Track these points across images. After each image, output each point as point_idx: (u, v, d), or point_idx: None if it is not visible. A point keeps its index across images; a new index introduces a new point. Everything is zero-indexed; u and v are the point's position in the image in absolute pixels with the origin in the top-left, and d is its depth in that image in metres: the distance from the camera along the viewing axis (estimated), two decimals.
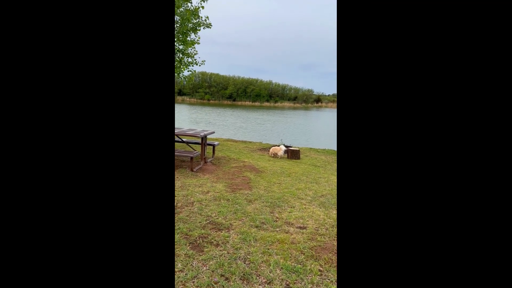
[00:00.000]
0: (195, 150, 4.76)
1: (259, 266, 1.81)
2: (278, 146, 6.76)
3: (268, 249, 2.03)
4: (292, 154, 6.55)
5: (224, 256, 1.89)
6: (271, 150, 6.67)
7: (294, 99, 64.03)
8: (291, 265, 1.84)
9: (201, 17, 6.06)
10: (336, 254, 1.97)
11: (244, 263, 1.83)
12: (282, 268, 1.81)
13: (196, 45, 6.33)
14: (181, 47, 6.14)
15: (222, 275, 1.68)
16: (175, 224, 2.35)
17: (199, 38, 6.25)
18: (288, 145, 8.32)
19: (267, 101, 55.54)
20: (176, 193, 3.18)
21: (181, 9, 5.60)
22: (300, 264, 1.87)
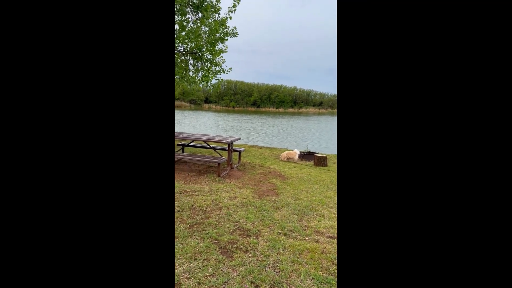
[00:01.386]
0: (222, 156, 4.85)
1: (289, 275, 1.77)
2: (292, 150, 6.55)
3: (298, 258, 1.99)
4: (319, 160, 6.41)
5: (254, 263, 1.88)
6: (285, 154, 6.40)
7: (320, 104, 62.99)
8: (322, 275, 1.78)
9: (228, 26, 6.25)
10: None
11: (274, 271, 1.80)
12: (313, 278, 1.75)
13: (223, 54, 6.53)
14: (209, 56, 6.37)
15: (252, 282, 1.67)
16: (205, 228, 2.40)
17: (226, 47, 6.44)
18: (314, 151, 8.16)
19: (291, 107, 55.22)
20: (205, 198, 3.25)
21: (210, 20, 5.82)
22: (331, 275, 1.80)
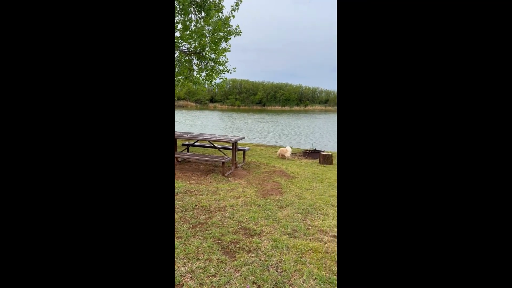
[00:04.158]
0: (227, 156, 4.86)
1: (292, 275, 1.76)
2: (285, 147, 6.72)
3: (301, 257, 1.97)
4: (324, 159, 6.35)
5: (256, 263, 1.88)
6: (278, 151, 6.68)
7: (326, 102, 62.45)
8: (325, 275, 1.76)
9: (231, 25, 6.24)
10: None
11: (277, 271, 1.79)
12: (316, 278, 1.73)
13: (227, 53, 6.52)
14: (213, 56, 6.37)
15: (254, 283, 1.67)
16: (208, 228, 2.40)
17: (229, 46, 6.43)
18: (320, 149, 8.09)
19: (297, 105, 54.90)
20: (208, 197, 3.26)
21: (213, 19, 5.82)
22: (335, 275, 1.77)
